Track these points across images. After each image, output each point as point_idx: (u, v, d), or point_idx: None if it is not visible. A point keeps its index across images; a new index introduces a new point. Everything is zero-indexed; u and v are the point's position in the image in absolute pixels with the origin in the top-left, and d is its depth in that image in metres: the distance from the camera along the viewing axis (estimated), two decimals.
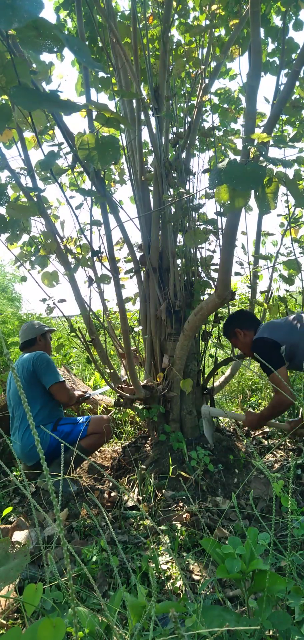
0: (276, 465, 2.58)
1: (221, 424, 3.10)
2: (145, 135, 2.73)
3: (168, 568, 1.58)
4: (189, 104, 3.03)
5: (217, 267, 2.36)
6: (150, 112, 2.56)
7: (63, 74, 2.94)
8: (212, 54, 3.00)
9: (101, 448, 3.02)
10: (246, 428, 2.39)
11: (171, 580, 1.51)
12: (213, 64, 2.95)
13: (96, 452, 2.95)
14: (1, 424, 2.77)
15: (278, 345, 2.20)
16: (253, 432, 2.65)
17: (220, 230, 2.56)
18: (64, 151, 2.11)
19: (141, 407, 2.63)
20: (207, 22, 2.84)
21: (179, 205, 2.48)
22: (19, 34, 1.11)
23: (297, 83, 2.99)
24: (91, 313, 2.48)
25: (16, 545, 0.92)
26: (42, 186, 2.33)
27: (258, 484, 2.26)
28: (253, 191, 1.44)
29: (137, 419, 3.23)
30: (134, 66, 2.53)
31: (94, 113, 1.62)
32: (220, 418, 3.26)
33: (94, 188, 2.04)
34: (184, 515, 1.90)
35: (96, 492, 2.27)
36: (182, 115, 2.97)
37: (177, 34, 3.29)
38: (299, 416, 2.53)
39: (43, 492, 2.29)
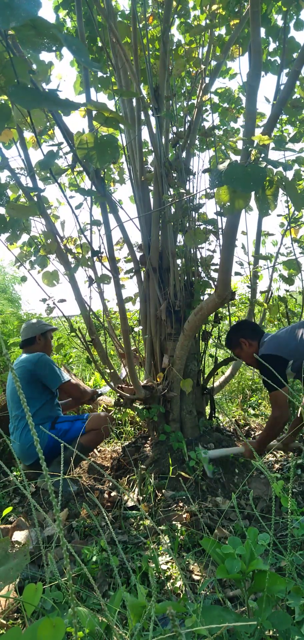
0: (276, 466, 2.58)
1: (221, 424, 3.10)
2: (145, 135, 2.74)
3: (168, 568, 1.58)
4: (189, 103, 3.03)
5: (217, 267, 2.36)
6: (150, 112, 2.56)
7: (62, 74, 2.94)
8: (212, 54, 3.00)
9: (101, 448, 3.02)
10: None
11: (171, 580, 1.51)
12: (213, 63, 2.94)
13: (96, 452, 2.95)
14: (1, 424, 2.77)
15: (286, 362, 2.18)
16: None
17: (220, 230, 2.56)
18: (63, 151, 2.11)
19: (141, 407, 2.63)
20: (208, 21, 2.84)
21: (179, 205, 2.48)
22: (17, 33, 1.11)
23: (297, 83, 2.99)
24: (90, 313, 2.48)
25: (16, 545, 0.92)
26: (42, 186, 2.33)
27: (258, 484, 2.25)
28: (253, 192, 1.44)
29: (137, 419, 3.23)
30: (134, 66, 2.52)
31: (93, 112, 1.62)
32: (220, 417, 3.26)
33: (93, 188, 2.04)
34: (184, 515, 1.90)
35: (96, 492, 2.27)
36: (182, 115, 2.97)
37: (177, 34, 3.29)
38: (299, 415, 2.54)
39: (43, 492, 2.29)
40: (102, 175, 2.06)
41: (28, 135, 2.38)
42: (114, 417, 3.31)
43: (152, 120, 2.54)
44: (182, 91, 3.11)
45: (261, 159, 1.43)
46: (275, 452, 2.73)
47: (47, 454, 2.39)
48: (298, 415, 2.53)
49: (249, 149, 1.46)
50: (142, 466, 2.31)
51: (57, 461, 2.42)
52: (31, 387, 2.49)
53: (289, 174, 2.53)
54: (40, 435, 2.39)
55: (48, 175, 2.22)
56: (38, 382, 2.51)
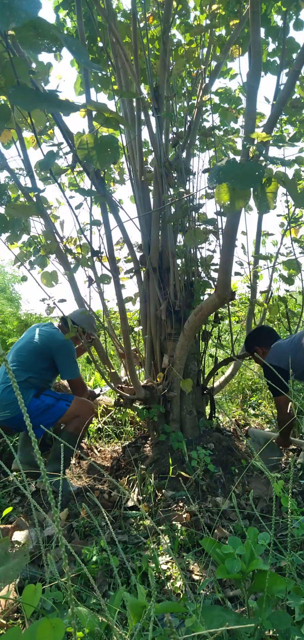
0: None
1: (221, 424, 3.10)
2: (145, 135, 2.74)
3: (168, 568, 1.58)
4: (190, 103, 3.03)
5: (217, 267, 2.36)
6: (150, 112, 2.56)
7: (62, 74, 2.94)
8: (212, 54, 3.00)
9: (101, 448, 3.02)
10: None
11: (171, 580, 1.51)
12: (213, 63, 2.94)
13: (96, 452, 2.95)
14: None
15: (285, 372, 2.23)
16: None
17: (220, 230, 2.56)
18: (63, 151, 2.11)
19: (141, 407, 2.63)
20: (208, 21, 2.84)
21: (179, 205, 2.48)
22: (17, 33, 1.11)
23: (297, 83, 2.99)
24: (91, 313, 2.48)
25: (16, 545, 0.92)
26: (41, 186, 2.33)
27: (258, 484, 2.25)
28: (252, 191, 1.44)
29: (137, 419, 3.23)
30: (134, 66, 2.52)
31: (93, 113, 1.62)
32: (220, 417, 3.26)
33: (93, 188, 2.04)
34: (184, 515, 1.90)
35: (96, 492, 2.27)
36: (182, 115, 2.97)
37: (177, 34, 3.28)
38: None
39: (43, 492, 2.29)
40: (102, 176, 2.07)
41: (28, 135, 2.38)
42: (114, 417, 3.31)
43: (152, 120, 2.54)
44: (183, 91, 3.11)
45: (260, 157, 1.43)
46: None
47: (23, 423, 2.24)
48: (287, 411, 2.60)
49: (248, 147, 1.46)
50: (142, 466, 2.31)
51: (53, 458, 2.37)
52: (38, 356, 2.38)
53: (290, 173, 2.53)
54: (23, 397, 2.32)
55: (48, 175, 2.22)
56: (48, 358, 2.39)
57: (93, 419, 2.74)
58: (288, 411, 2.33)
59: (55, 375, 2.55)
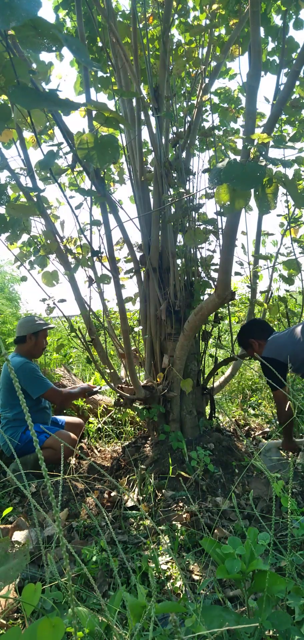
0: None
1: (221, 424, 3.10)
2: (145, 135, 2.74)
3: (168, 568, 1.58)
4: (189, 103, 3.03)
5: (217, 267, 2.36)
6: (150, 112, 2.56)
7: (62, 74, 2.94)
8: (212, 54, 3.00)
9: (101, 448, 3.02)
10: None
11: (171, 580, 1.51)
12: (213, 63, 2.94)
13: (96, 452, 2.95)
14: None
15: (284, 365, 2.23)
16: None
17: (220, 230, 2.56)
18: (63, 151, 2.11)
19: (141, 407, 2.63)
20: (208, 21, 2.84)
21: (179, 205, 2.48)
22: (17, 33, 1.11)
23: (297, 82, 2.99)
24: (90, 313, 2.48)
25: (16, 545, 0.92)
26: (41, 186, 2.33)
27: (258, 484, 2.25)
28: (252, 191, 1.44)
29: (137, 419, 3.23)
30: (134, 66, 2.52)
31: (93, 112, 1.62)
32: (220, 417, 3.26)
33: (93, 188, 2.04)
34: (184, 515, 1.90)
35: (95, 492, 2.27)
36: (182, 115, 2.97)
37: (177, 34, 3.27)
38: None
39: (43, 492, 2.29)
40: (102, 176, 2.07)
41: (28, 135, 2.38)
42: (114, 416, 3.31)
43: (152, 120, 2.54)
44: (182, 91, 3.11)
45: (260, 158, 1.43)
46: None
47: (18, 453, 2.52)
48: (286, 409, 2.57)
49: (249, 147, 1.46)
50: (142, 466, 2.31)
51: (23, 461, 2.53)
52: (11, 392, 2.60)
53: (290, 173, 2.53)
54: (13, 436, 2.57)
55: (48, 175, 2.22)
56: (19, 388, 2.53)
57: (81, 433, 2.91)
58: (287, 408, 2.28)
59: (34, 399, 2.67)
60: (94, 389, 2.95)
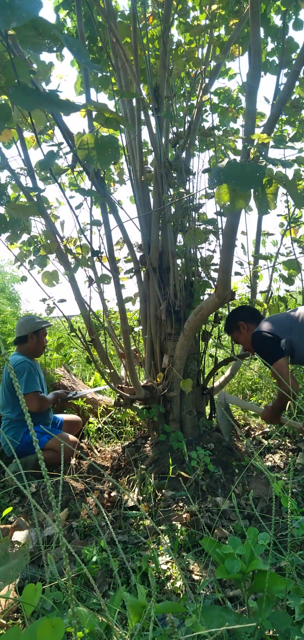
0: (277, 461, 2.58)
1: None
2: (145, 135, 2.74)
3: (168, 568, 1.58)
4: (189, 103, 3.03)
5: (217, 267, 2.36)
6: (150, 112, 2.56)
7: (62, 74, 2.94)
8: (212, 54, 3.00)
9: (101, 448, 3.02)
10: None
11: (171, 580, 1.51)
12: (213, 63, 2.94)
13: (96, 452, 2.95)
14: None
15: (277, 338, 2.18)
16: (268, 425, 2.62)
17: (220, 230, 2.56)
18: (63, 151, 2.11)
19: (141, 407, 2.63)
20: (207, 21, 2.84)
21: (179, 205, 2.48)
22: (18, 33, 1.11)
23: (297, 83, 2.99)
24: (90, 313, 2.48)
25: (16, 545, 0.92)
26: (42, 186, 2.33)
27: (258, 484, 2.25)
28: (252, 192, 1.44)
29: (137, 419, 3.23)
30: (134, 66, 2.52)
31: (94, 113, 1.62)
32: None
33: (93, 188, 2.04)
34: (184, 515, 1.90)
35: (95, 492, 2.27)
36: (182, 115, 2.97)
37: (177, 34, 3.27)
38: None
39: (43, 492, 2.29)
40: (102, 176, 2.07)
41: (28, 135, 2.38)
42: (114, 416, 3.31)
43: (152, 120, 2.54)
44: (182, 91, 3.11)
45: (260, 158, 1.43)
46: (274, 452, 2.73)
47: (18, 454, 2.53)
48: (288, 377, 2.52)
49: (248, 148, 1.46)
50: (142, 466, 2.31)
51: (23, 462, 2.53)
52: (11, 392, 2.62)
53: (290, 174, 2.53)
54: (14, 437, 2.59)
55: (48, 175, 2.22)
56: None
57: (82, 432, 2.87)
58: (288, 379, 2.02)
59: None
60: (68, 395, 2.95)
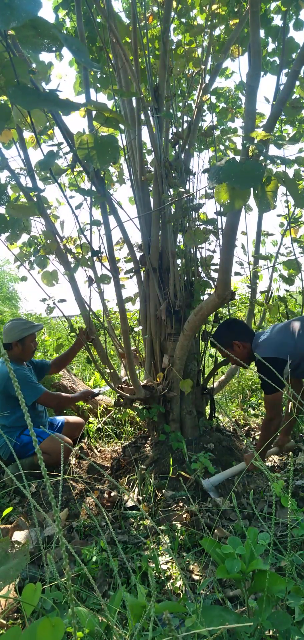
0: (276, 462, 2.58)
1: (221, 424, 3.10)
2: (145, 135, 2.73)
3: (168, 568, 1.58)
4: (187, 103, 3.03)
5: (217, 267, 2.35)
6: (150, 112, 2.56)
7: (62, 74, 2.94)
8: (212, 54, 3.00)
9: (101, 448, 3.01)
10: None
11: (171, 580, 1.51)
12: (212, 63, 2.94)
13: (96, 452, 2.95)
14: None
15: (285, 362, 2.06)
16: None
17: (220, 230, 2.56)
18: (63, 151, 2.11)
19: (141, 407, 2.63)
20: (208, 22, 2.84)
21: (179, 205, 2.48)
22: (17, 33, 1.11)
23: (297, 83, 2.99)
24: (90, 313, 2.48)
25: (16, 545, 0.92)
26: (41, 186, 2.32)
27: (258, 483, 2.25)
28: (252, 190, 1.44)
29: (137, 419, 3.22)
30: (134, 66, 2.52)
31: (93, 112, 1.62)
32: (220, 417, 3.26)
33: (93, 188, 2.04)
34: (184, 515, 1.90)
35: (95, 492, 2.27)
36: (181, 114, 2.97)
37: (179, 33, 3.27)
38: (289, 411, 2.54)
39: (43, 492, 2.29)
40: (102, 176, 2.06)
41: (28, 135, 2.38)
42: (114, 416, 3.31)
43: (152, 120, 2.54)
44: (180, 92, 3.11)
45: (260, 156, 1.43)
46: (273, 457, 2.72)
47: (11, 458, 2.54)
48: (289, 411, 2.52)
49: (247, 146, 1.45)
50: (142, 466, 2.31)
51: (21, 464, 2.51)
52: (5, 399, 2.58)
53: (290, 173, 2.53)
54: (6, 443, 2.58)
55: (48, 175, 2.22)
56: (9, 396, 2.56)
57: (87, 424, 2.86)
58: (279, 416, 2.06)
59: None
60: (95, 392, 2.96)
